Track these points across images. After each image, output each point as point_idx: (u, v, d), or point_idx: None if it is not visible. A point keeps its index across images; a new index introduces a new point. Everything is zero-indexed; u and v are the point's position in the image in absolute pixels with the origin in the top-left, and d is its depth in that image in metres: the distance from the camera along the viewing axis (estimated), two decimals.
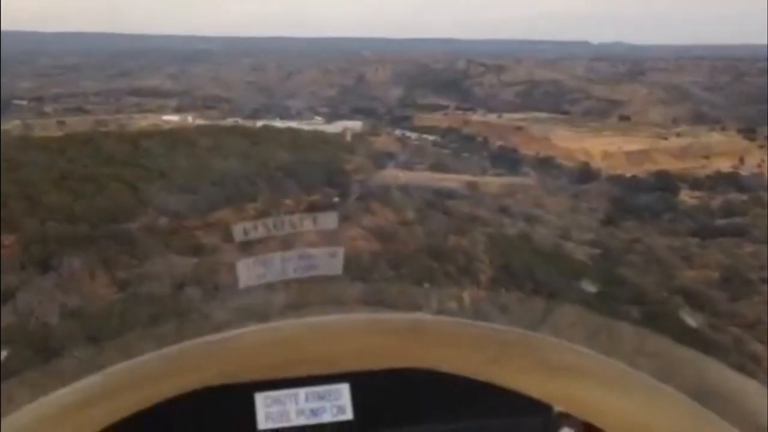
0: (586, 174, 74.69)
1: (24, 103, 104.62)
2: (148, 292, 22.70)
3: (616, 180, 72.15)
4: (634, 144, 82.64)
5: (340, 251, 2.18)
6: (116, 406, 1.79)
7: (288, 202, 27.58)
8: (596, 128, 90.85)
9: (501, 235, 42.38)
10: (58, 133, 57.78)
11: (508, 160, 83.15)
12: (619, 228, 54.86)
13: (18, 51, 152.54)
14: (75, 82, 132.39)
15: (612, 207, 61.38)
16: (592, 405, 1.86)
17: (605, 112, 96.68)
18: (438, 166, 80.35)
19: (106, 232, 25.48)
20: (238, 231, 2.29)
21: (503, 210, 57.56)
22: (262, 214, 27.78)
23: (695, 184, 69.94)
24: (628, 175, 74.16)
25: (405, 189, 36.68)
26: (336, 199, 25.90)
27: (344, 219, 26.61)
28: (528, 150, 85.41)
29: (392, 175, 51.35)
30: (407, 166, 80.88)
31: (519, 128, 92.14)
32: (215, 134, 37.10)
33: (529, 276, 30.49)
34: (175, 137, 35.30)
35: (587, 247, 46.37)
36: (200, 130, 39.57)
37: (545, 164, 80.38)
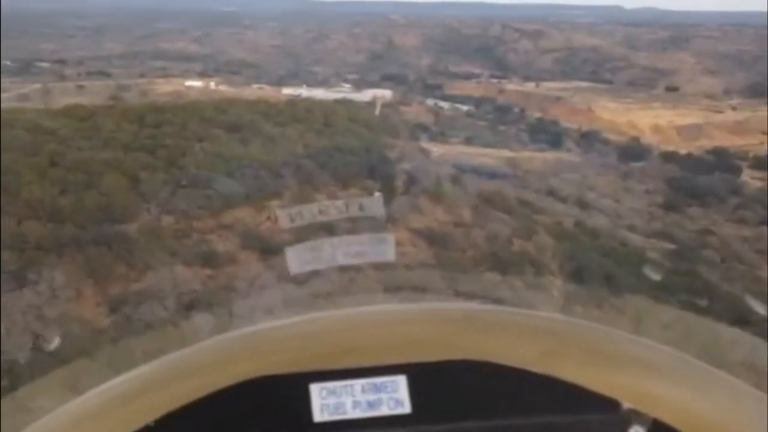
0: (635, 150, 67.89)
1: (46, 65, 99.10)
2: (145, 317, 17.31)
3: (670, 157, 65.35)
4: (685, 117, 75.40)
5: (390, 237, 2.11)
6: (172, 394, 1.77)
7: (319, 196, 21.91)
8: (642, 99, 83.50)
9: (560, 230, 36.16)
10: (57, 106, 52.37)
11: (548, 134, 76.37)
12: (683, 215, 48.40)
13: (44, 10, 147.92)
14: (100, 44, 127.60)
15: (670, 190, 55.03)
16: (665, 402, 1.76)
17: (651, 82, 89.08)
18: (474, 140, 73.68)
19: (98, 236, 19.94)
20: (283, 217, 2.20)
21: (552, 193, 51.30)
22: (286, 211, 22.34)
23: (757, 163, 62.85)
24: (683, 152, 67.28)
25: (457, 180, 30.68)
26: (377, 194, 20.26)
27: (388, 219, 21.20)
28: (569, 122, 78.49)
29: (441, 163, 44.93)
30: (441, 139, 74.26)
31: (558, 98, 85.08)
32: (234, 110, 31.11)
33: (602, 277, 25.05)
34: (188, 114, 29.48)
35: (655, 240, 40.01)
36: (217, 105, 33.40)
37: (590, 138, 73.49)
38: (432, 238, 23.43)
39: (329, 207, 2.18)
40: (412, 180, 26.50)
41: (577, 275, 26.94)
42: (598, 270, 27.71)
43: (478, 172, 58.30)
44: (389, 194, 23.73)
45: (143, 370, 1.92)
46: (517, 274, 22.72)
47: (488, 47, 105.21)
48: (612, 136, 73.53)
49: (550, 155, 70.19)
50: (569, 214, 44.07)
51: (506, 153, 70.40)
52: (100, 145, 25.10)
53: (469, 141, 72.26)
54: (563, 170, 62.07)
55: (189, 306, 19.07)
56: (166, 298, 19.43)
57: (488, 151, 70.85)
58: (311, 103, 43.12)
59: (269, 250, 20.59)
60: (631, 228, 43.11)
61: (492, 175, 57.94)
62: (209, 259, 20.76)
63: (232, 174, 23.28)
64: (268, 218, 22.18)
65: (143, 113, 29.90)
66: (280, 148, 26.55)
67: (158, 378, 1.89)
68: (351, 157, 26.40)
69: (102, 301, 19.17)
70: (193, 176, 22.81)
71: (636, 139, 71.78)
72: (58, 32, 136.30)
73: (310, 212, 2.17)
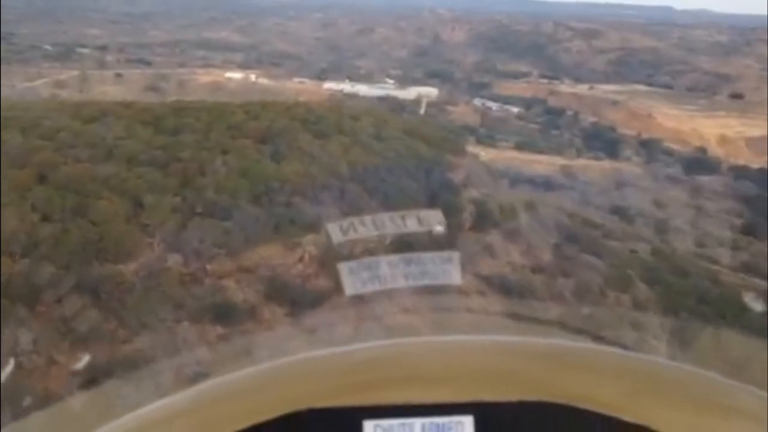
0: (702, 163, 61.15)
1: (87, 51, 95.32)
2: (129, 399, 12.29)
3: (741, 172, 58.39)
4: (753, 128, 68.02)
5: (456, 256, 1.96)
6: (214, 418, 1.70)
7: (363, 230, 16.67)
8: (705, 106, 76.23)
9: (637, 261, 30.19)
10: (78, 98, 47.74)
11: (604, 140, 69.80)
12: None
13: None
14: (144, 32, 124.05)
15: (748, 210, 48.27)
16: None
17: (713, 88, 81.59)
18: (525, 145, 67.24)
19: (84, 279, 14.88)
20: (334, 231, 2.06)
21: (617, 210, 45.13)
22: (326, 254, 16.81)
23: None
24: (755, 166, 60.01)
25: (532, 208, 24.75)
26: (439, 228, 15.21)
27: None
28: (627, 129, 71.75)
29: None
30: (489, 143, 68.07)
31: (615, 102, 78.20)
32: (267, 115, 25.63)
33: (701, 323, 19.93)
34: (213, 117, 24.16)
35: (744, 276, 33.74)
36: (248, 108, 27.82)
37: (650, 147, 66.74)
38: (506, 288, 17.88)
39: (384, 219, 2.00)
40: (480, 211, 20.96)
41: (680, 336, 20.95)
42: (698, 319, 22.49)
43: (533, 182, 52.23)
44: (454, 229, 18.24)
45: (186, 393, 1.77)
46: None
47: (539, 45, 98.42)
48: (675, 146, 66.70)
49: (608, 164, 63.74)
50: (642, 237, 37.91)
51: (560, 160, 64.03)
52: (103, 155, 20.11)
53: (519, 146, 65.92)
54: (625, 182, 55.55)
55: (191, 381, 13.43)
56: (162, 371, 13.99)
57: (540, 157, 64.57)
58: (358, 108, 37.57)
59: (301, 302, 15.29)
60: (715, 259, 36.80)
61: (547, 185, 51.65)
62: (224, 313, 15.60)
63: (259, 199, 18.04)
64: (301, 259, 16.82)
65: (162, 115, 24.74)
66: (320, 165, 21.09)
67: (201, 401, 1.74)
68: (407, 180, 20.97)
69: (76, 373, 14.03)
70: (211, 202, 17.59)
71: (702, 150, 64.96)
72: (104, 17, 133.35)
73: (364, 225, 1.98)
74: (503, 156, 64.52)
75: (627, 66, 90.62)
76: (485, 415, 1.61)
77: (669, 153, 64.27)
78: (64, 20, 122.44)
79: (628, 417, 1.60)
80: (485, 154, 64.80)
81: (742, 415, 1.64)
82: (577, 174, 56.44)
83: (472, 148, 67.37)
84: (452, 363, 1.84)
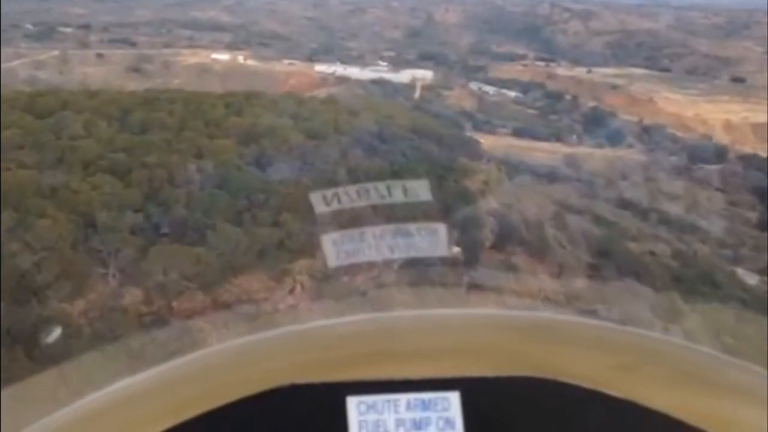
0: (709, 150, 57.93)
1: (69, 30, 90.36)
2: None
3: (749, 161, 55.28)
4: (758, 114, 64.66)
5: (442, 228, 1.89)
6: (195, 394, 1.63)
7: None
8: (706, 90, 72.74)
9: (661, 267, 27.13)
10: (72, 75, 43.71)
11: (605, 126, 66.21)
12: None
13: None
14: (129, 11, 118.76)
15: (761, 204, 45.45)
16: None
17: (713, 71, 78.22)
18: (523, 131, 63.59)
19: (17, 322, 11.34)
20: (317, 200, 1.95)
21: (626, 204, 41.98)
22: (321, 284, 13.48)
23: None
24: (762, 155, 56.89)
25: (560, 219, 21.14)
26: (456, 250, 11.85)
27: (471, 286, 12.71)
28: (629, 114, 68.39)
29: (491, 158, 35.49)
30: (487, 129, 64.43)
31: (615, 87, 74.56)
32: (252, 109, 21.75)
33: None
34: (189, 111, 20.40)
35: None
36: (230, 101, 23.83)
37: (653, 133, 63.42)
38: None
39: (369, 189, 1.89)
40: (503, 226, 17.52)
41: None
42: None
43: (536, 172, 48.71)
44: (471, 250, 14.78)
45: (164, 368, 1.68)
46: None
47: (535, 27, 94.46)
48: (679, 132, 63.22)
49: (611, 152, 60.39)
50: (659, 237, 34.82)
51: (562, 148, 60.67)
52: (53, 159, 16.40)
53: (518, 132, 62.27)
54: (629, 172, 52.13)
55: None
56: None
57: (541, 144, 61.15)
58: (356, 101, 33.50)
59: None
60: (738, 260, 33.95)
61: (552, 176, 48.02)
62: None
63: (240, 217, 14.42)
64: (292, 292, 13.38)
65: (129, 107, 20.92)
66: (313, 172, 17.40)
67: (179, 377, 1.67)
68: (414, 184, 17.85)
69: None
70: (181, 220, 14.03)
71: (707, 137, 61.50)
72: None
73: (348, 195, 1.88)
74: (503, 143, 61.03)
75: (624, 48, 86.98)
76: (472, 390, 1.52)
77: (673, 140, 60.93)
78: None
79: (614, 392, 1.50)
80: (484, 140, 61.16)
81: (737, 393, 1.50)
82: (580, 163, 53.05)
83: (469, 134, 63.36)
84: (437, 338, 1.68)
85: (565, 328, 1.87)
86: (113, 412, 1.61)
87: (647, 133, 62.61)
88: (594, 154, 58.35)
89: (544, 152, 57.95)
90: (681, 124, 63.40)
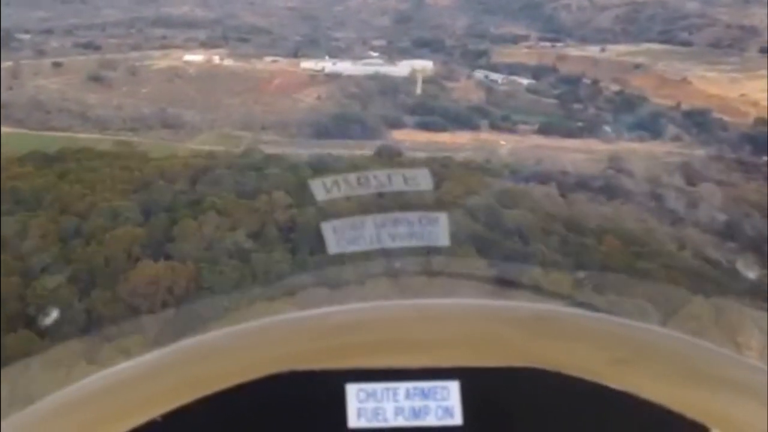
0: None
1: (27, 37, 77.77)
2: None
3: None
4: None
5: (443, 216, 1.84)
6: (188, 381, 1.58)
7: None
8: (742, 66, 61.66)
9: None
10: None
11: (638, 114, 54.86)
12: None
13: None
14: (96, 11, 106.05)
15: None
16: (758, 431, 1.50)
17: (739, 43, 67.24)
18: (549, 127, 52.09)
19: None
20: (317, 187, 1.87)
21: (707, 228, 32.22)
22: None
23: None
24: None
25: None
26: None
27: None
28: (662, 98, 57.01)
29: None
30: (506, 126, 52.86)
31: (638, 66, 63.40)
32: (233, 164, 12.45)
33: None
34: (156, 170, 11.18)
35: None
36: (202, 162, 13.81)
37: (697, 120, 52.04)
38: None
39: (369, 177, 1.84)
40: None
41: None
42: None
43: (583, 185, 37.35)
44: None
45: (162, 352, 1.66)
46: None
47: (535, 4, 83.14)
48: (727, 118, 51.99)
49: (657, 146, 49.00)
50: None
51: (598, 145, 49.32)
52: None
53: (545, 129, 50.78)
54: (693, 175, 40.89)
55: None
56: None
57: (572, 142, 49.84)
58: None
59: None
60: None
61: (609, 192, 36.38)
62: None
63: None
64: None
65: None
66: None
67: (176, 361, 1.63)
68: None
69: None
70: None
71: (762, 122, 50.29)
72: None
73: (348, 183, 1.85)
74: (528, 142, 49.68)
75: (635, 23, 75.99)
76: (471, 380, 1.50)
77: (723, 127, 49.91)
78: (9, 1, 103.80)
79: (615, 384, 1.48)
80: (505, 141, 49.66)
81: (737, 387, 1.49)
82: (625, 164, 41.90)
83: (487, 135, 51.83)
84: (437, 327, 1.67)
85: (567, 320, 1.68)
86: (106, 396, 1.51)
87: (689, 119, 51.65)
88: (638, 151, 47.15)
89: (579, 152, 46.59)
90: (727, 108, 52.47)
